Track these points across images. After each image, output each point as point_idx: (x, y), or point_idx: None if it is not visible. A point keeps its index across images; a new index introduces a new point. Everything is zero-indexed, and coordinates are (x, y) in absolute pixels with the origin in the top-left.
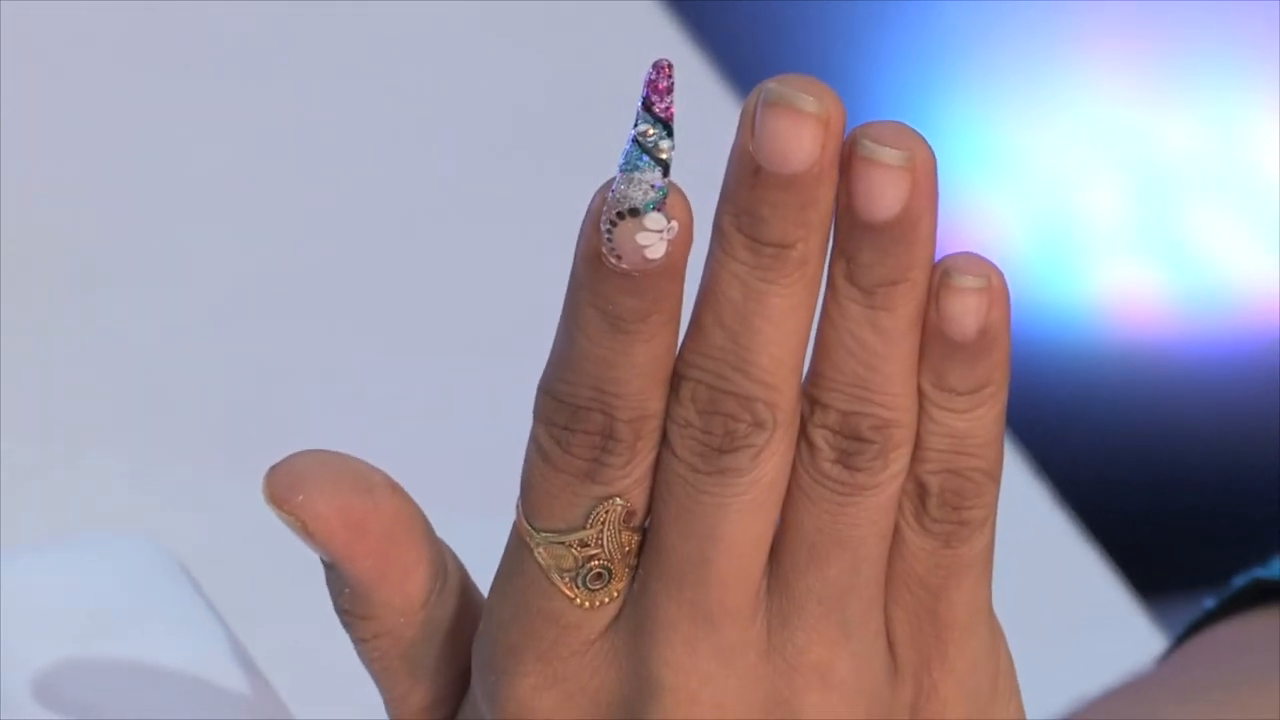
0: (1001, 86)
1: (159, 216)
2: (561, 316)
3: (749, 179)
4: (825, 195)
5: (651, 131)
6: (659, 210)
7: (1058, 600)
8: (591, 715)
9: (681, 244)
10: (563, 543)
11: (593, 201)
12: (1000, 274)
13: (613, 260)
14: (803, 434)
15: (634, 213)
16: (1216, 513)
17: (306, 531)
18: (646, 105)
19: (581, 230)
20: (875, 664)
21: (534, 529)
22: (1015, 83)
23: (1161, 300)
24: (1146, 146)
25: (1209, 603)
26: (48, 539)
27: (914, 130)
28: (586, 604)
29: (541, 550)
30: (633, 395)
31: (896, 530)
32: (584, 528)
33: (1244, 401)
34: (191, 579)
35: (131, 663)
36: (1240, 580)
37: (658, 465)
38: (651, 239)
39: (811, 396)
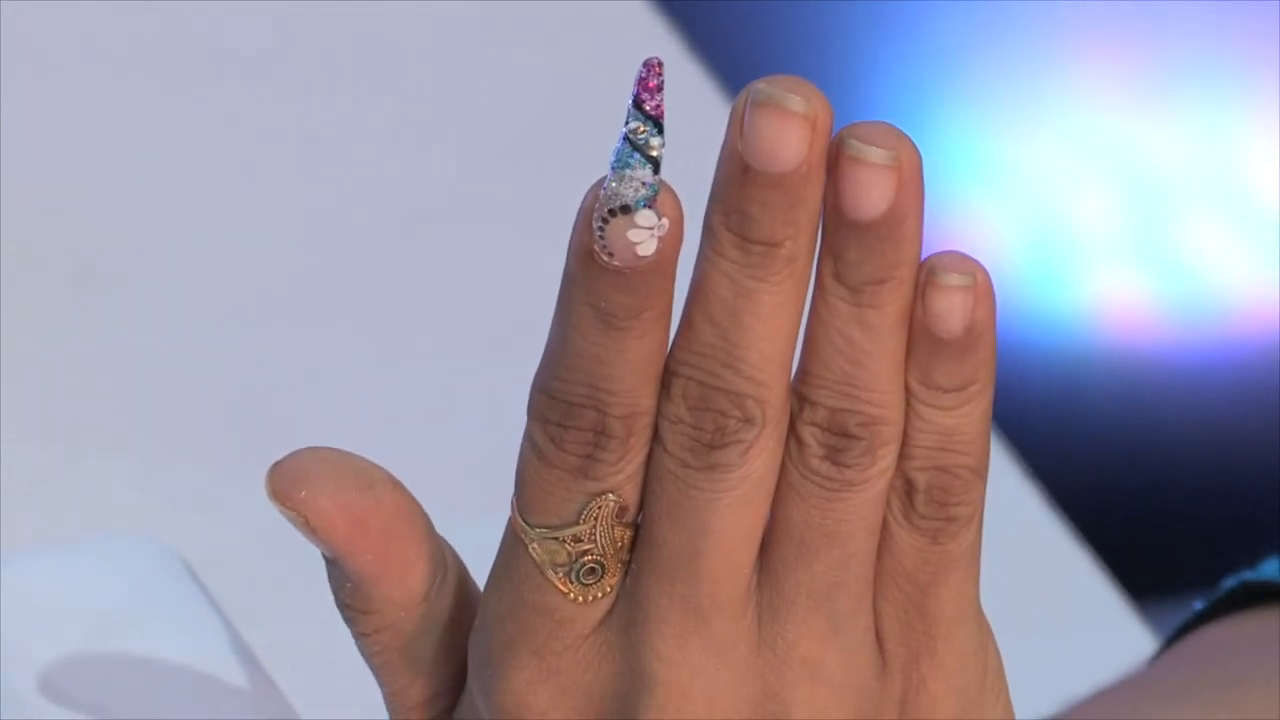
0: (994, 94)
1: (164, 219)
2: (555, 314)
3: (738, 178)
4: (813, 194)
5: (642, 129)
6: (650, 207)
7: (1049, 601)
8: (585, 709)
9: (672, 241)
10: (556, 538)
11: (585, 199)
12: (985, 272)
13: (605, 257)
14: (792, 431)
15: (625, 210)
16: (1206, 516)
17: (308, 527)
18: (637, 103)
19: (574, 228)
20: (864, 659)
21: (528, 524)
22: (1007, 91)
23: (1152, 307)
24: (1138, 155)
25: (1198, 605)
26: (52, 540)
27: (899, 130)
28: (580, 599)
29: (535, 545)
30: (625, 392)
31: (885, 526)
32: (577, 523)
33: (1234, 406)
34: (196, 580)
35: (137, 663)
36: (1229, 582)
37: (650, 461)
38: (643, 236)
39: (800, 394)
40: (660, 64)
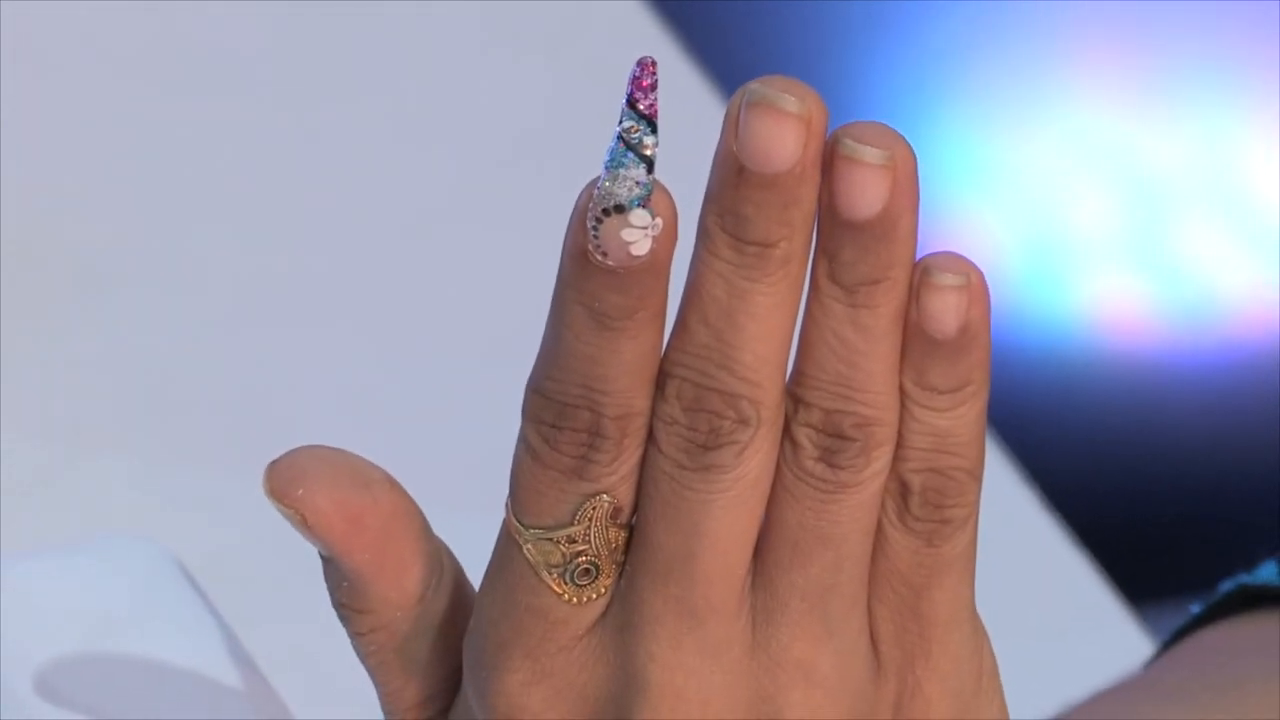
0: (991, 97)
1: (164, 220)
2: (549, 314)
3: (733, 179)
4: (808, 195)
5: (636, 128)
6: (644, 207)
7: (1046, 604)
8: (579, 710)
9: (666, 240)
10: (551, 539)
11: (579, 199)
12: (980, 273)
13: (599, 257)
14: (786, 432)
15: (619, 209)
16: (1203, 519)
17: (305, 525)
18: (631, 102)
19: (568, 228)
20: (858, 661)
21: (522, 526)
22: (1005, 94)
23: (1149, 310)
24: (1136, 157)
25: (1195, 608)
26: (51, 542)
27: (894, 130)
28: (574, 600)
29: (530, 547)
30: (619, 392)
31: (879, 528)
32: (571, 524)
33: (1231, 410)
34: (193, 582)
35: (134, 665)
36: (1226, 586)
37: (644, 462)
38: (636, 235)
39: (795, 395)
40: (654, 63)
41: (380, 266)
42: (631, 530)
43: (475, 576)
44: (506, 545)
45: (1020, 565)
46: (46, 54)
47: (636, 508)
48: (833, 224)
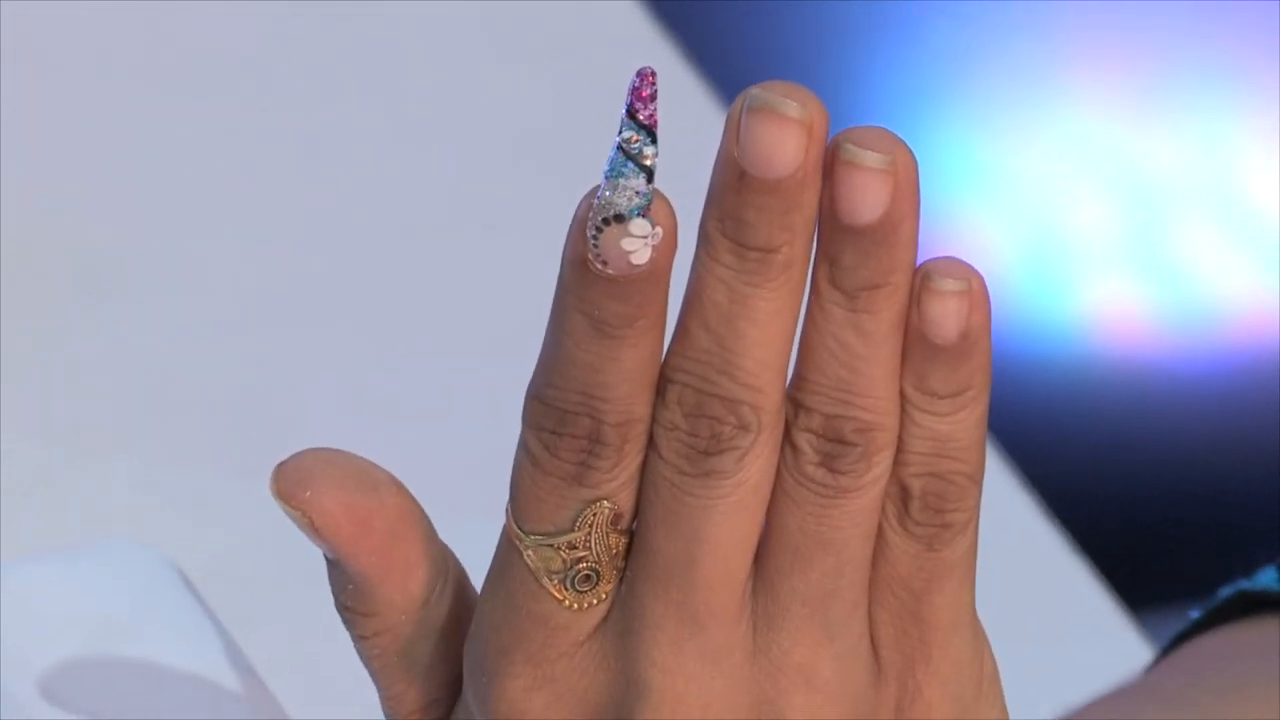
0: (990, 102)
1: (165, 224)
2: (549, 322)
3: (734, 184)
4: (809, 200)
5: (636, 138)
6: (644, 216)
7: (1045, 610)
8: (580, 716)
9: (666, 249)
10: (551, 545)
11: (579, 208)
12: (981, 278)
13: (598, 266)
14: (787, 437)
15: (619, 219)
16: (1202, 525)
17: (312, 527)
18: (631, 112)
19: (568, 236)
20: (859, 666)
21: (523, 532)
22: (1004, 99)
23: (1148, 315)
24: (1134, 162)
25: (1195, 613)
26: (50, 546)
27: (896, 135)
28: (575, 606)
29: (530, 553)
30: (619, 399)
31: (880, 533)
32: (572, 530)
33: (1230, 415)
34: (192, 587)
35: (134, 669)
36: (1226, 591)
37: (644, 468)
38: (636, 244)
39: (795, 400)
40: (653, 73)
41: (380, 270)
42: (632, 536)
43: (476, 581)
44: (507, 551)
45: (1020, 571)
46: (47, 55)
47: (637, 514)
48: (834, 229)
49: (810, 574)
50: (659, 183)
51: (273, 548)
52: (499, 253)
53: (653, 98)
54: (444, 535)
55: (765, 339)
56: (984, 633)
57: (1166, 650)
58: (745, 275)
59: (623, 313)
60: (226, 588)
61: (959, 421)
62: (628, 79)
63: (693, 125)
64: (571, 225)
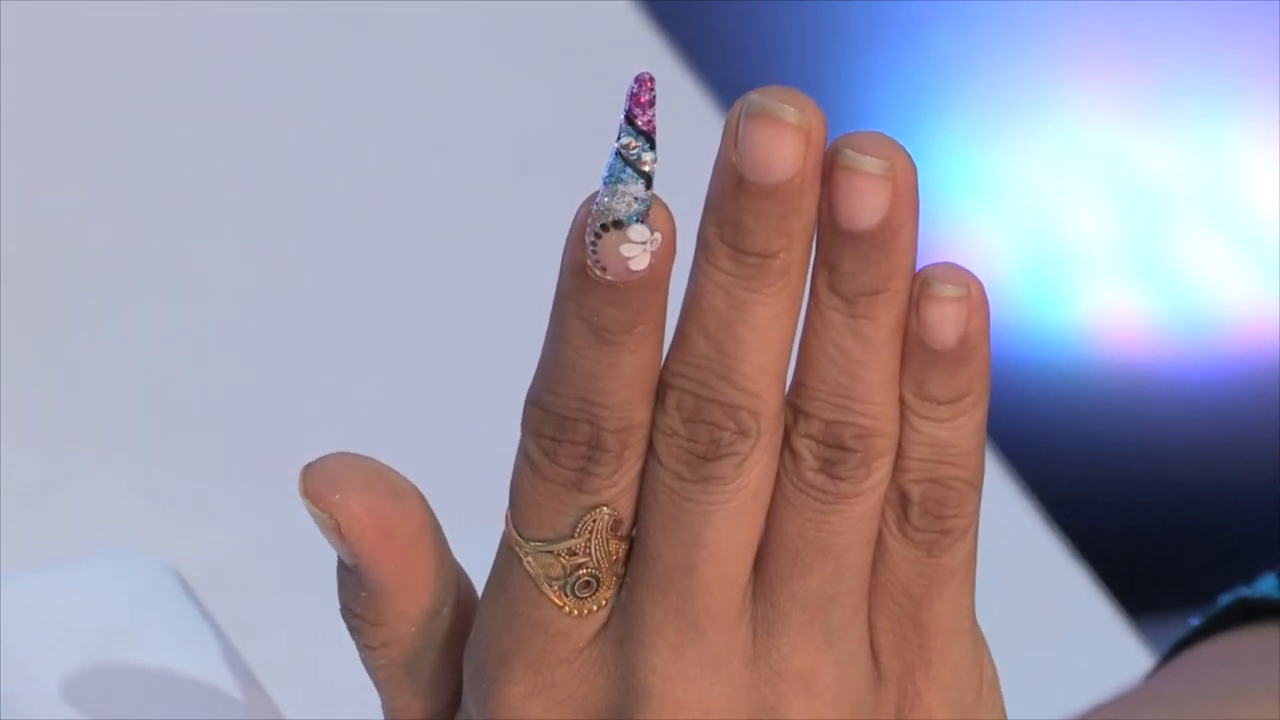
0: (989, 109)
1: (165, 231)
2: (548, 329)
3: (732, 189)
4: (808, 205)
5: (634, 144)
6: (642, 222)
7: (1045, 617)
8: None
9: (665, 255)
10: (551, 552)
11: (577, 214)
12: (980, 283)
13: (597, 272)
14: (786, 443)
15: (618, 225)
16: (1202, 532)
17: (337, 531)
18: (629, 118)
19: (567, 243)
20: (859, 672)
21: (523, 538)
22: (1003, 105)
23: (1147, 321)
24: (1134, 169)
25: (1195, 621)
26: (50, 554)
27: (894, 140)
28: (575, 612)
29: (530, 559)
30: (619, 406)
31: (880, 539)
32: (572, 537)
33: (1230, 421)
34: (191, 594)
35: (134, 677)
36: (1226, 599)
37: (644, 474)
38: (635, 250)
39: (795, 406)
40: (652, 79)
41: (380, 276)
42: (632, 542)
43: (477, 588)
44: (507, 558)
45: (1019, 577)
46: (47, 59)
47: (636, 520)
48: (832, 234)
49: (810, 579)
50: (656, 187)
51: (272, 554)
52: (497, 257)
53: (651, 103)
54: None
55: (764, 344)
56: (984, 638)
57: (1167, 657)
58: (744, 280)
59: (622, 319)
60: (226, 594)
61: (958, 427)
62: (625, 82)
63: (689, 128)
64: (570, 231)
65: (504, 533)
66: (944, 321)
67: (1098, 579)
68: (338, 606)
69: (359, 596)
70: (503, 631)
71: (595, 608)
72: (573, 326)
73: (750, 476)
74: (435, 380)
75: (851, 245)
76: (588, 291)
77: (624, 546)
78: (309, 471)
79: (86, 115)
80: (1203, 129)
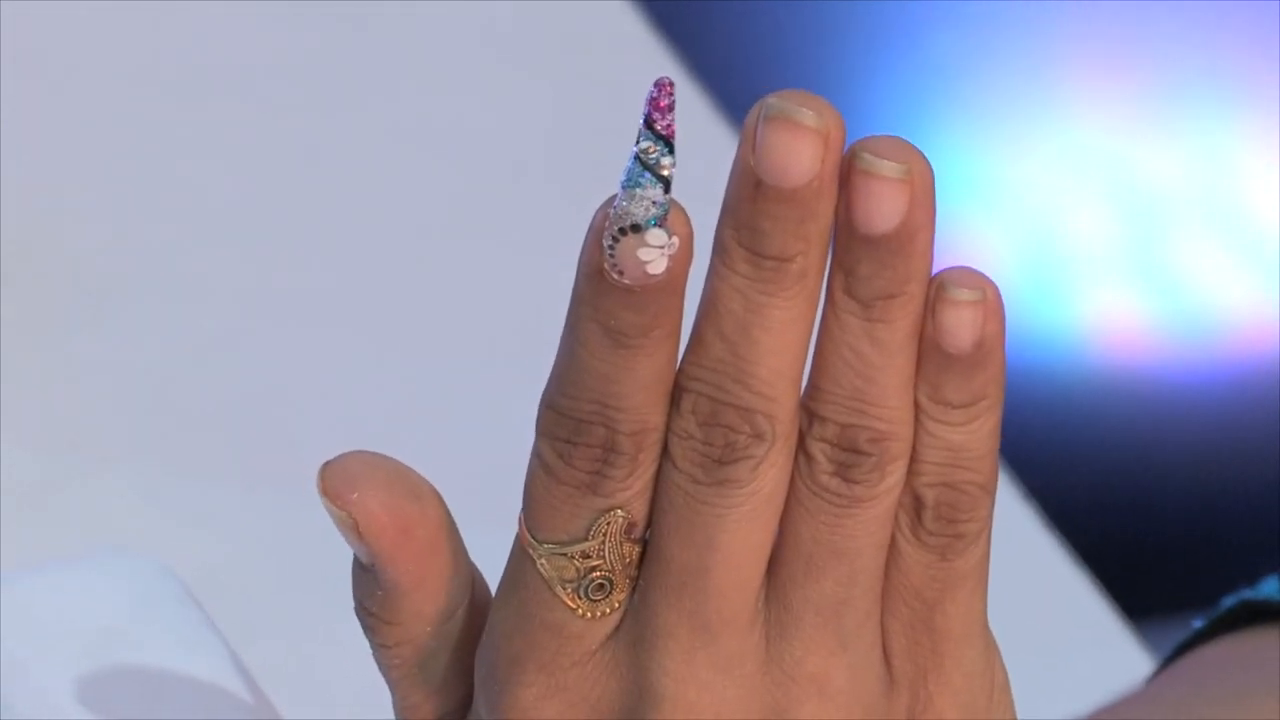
0: (990, 113)
1: (168, 235)
2: (564, 331)
3: (750, 193)
4: (825, 209)
5: (653, 149)
6: (660, 226)
7: (1047, 620)
8: None
9: (682, 259)
10: (565, 554)
11: (595, 218)
12: (995, 288)
13: (615, 276)
14: (801, 446)
15: (636, 229)
16: (1205, 535)
17: (355, 530)
18: (648, 123)
19: (584, 246)
20: (871, 675)
21: (536, 540)
22: (1004, 109)
23: (1148, 325)
24: (1134, 172)
25: (1197, 623)
26: (50, 557)
27: (912, 145)
28: (588, 614)
29: (544, 561)
30: (634, 409)
31: (893, 543)
32: (585, 539)
33: (1232, 425)
34: (192, 596)
35: (133, 679)
36: (1228, 601)
37: (658, 477)
38: (653, 254)
39: (809, 409)
40: (671, 84)
41: (381, 277)
42: (645, 545)
43: (491, 589)
44: (520, 560)
45: (1021, 581)
46: (48, 61)
47: (650, 522)
48: (849, 238)
49: (823, 583)
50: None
51: (271, 556)
52: (499, 257)
53: (670, 108)
54: None
55: (780, 348)
56: (995, 642)
57: (1169, 659)
58: (760, 284)
59: (638, 322)
60: (225, 596)
61: (973, 431)
62: (625, 83)
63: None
64: (587, 235)
65: (517, 535)
66: (960, 326)
67: (1098, 582)
68: (336, 608)
69: (374, 595)
70: (515, 634)
71: (608, 610)
72: (589, 330)
73: (765, 480)
74: (443, 381)
75: (868, 249)
76: (604, 295)
77: (637, 549)
78: (328, 470)
79: (87, 116)
80: (1203, 133)
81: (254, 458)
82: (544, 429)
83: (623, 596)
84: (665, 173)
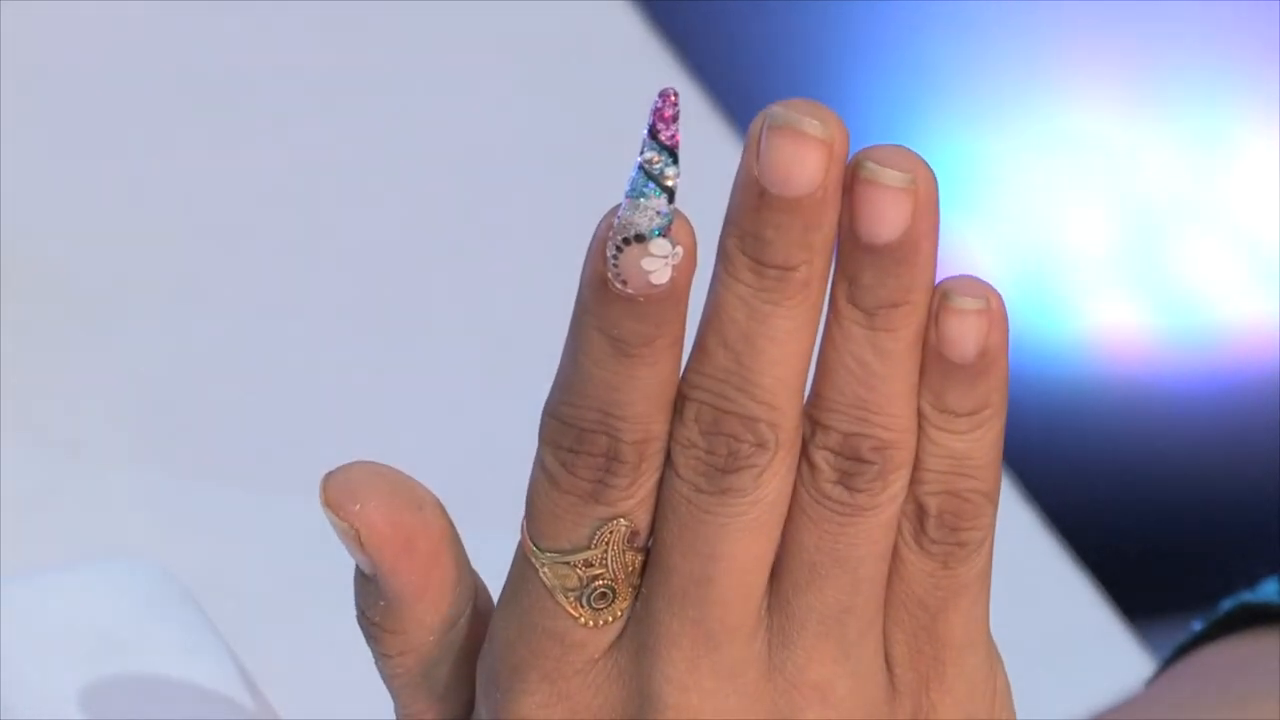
0: (988, 117)
1: (169, 240)
2: (567, 340)
3: (754, 202)
4: (829, 218)
5: (657, 159)
6: (664, 236)
7: (1047, 624)
8: None
9: (686, 269)
10: (567, 563)
11: (598, 228)
12: (999, 296)
13: (618, 285)
14: (804, 455)
15: (640, 239)
16: (1204, 537)
17: (357, 541)
18: (652, 133)
19: (587, 256)
20: (874, 684)
21: (539, 549)
22: (1002, 114)
23: (1146, 331)
24: (1133, 179)
25: (1196, 626)
26: (51, 561)
27: (916, 153)
28: (591, 623)
29: (546, 570)
30: (637, 418)
31: (896, 551)
32: (588, 548)
33: (1233, 427)
34: (195, 602)
35: (135, 684)
36: (1227, 603)
37: (661, 485)
38: (657, 264)
39: (813, 418)
40: (675, 94)
41: (383, 283)
42: (648, 553)
43: (493, 597)
44: (522, 568)
45: (1020, 583)
46: (47, 66)
47: (653, 531)
48: (853, 247)
49: (826, 591)
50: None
51: (274, 561)
52: (506, 261)
53: (675, 118)
54: None
55: (783, 357)
56: (997, 649)
57: (1168, 662)
58: (764, 293)
59: (642, 332)
60: (228, 602)
61: (976, 440)
62: (624, 84)
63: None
64: (591, 245)
65: (519, 543)
66: (963, 334)
67: (1099, 584)
68: (337, 612)
69: (377, 605)
70: (517, 642)
71: (611, 619)
72: (592, 339)
73: (768, 489)
74: (445, 388)
75: (872, 258)
76: (608, 304)
77: (640, 558)
78: (330, 481)
79: (87, 119)
80: (1203, 140)
81: (255, 462)
82: (547, 437)
83: (625, 605)
84: (669, 183)
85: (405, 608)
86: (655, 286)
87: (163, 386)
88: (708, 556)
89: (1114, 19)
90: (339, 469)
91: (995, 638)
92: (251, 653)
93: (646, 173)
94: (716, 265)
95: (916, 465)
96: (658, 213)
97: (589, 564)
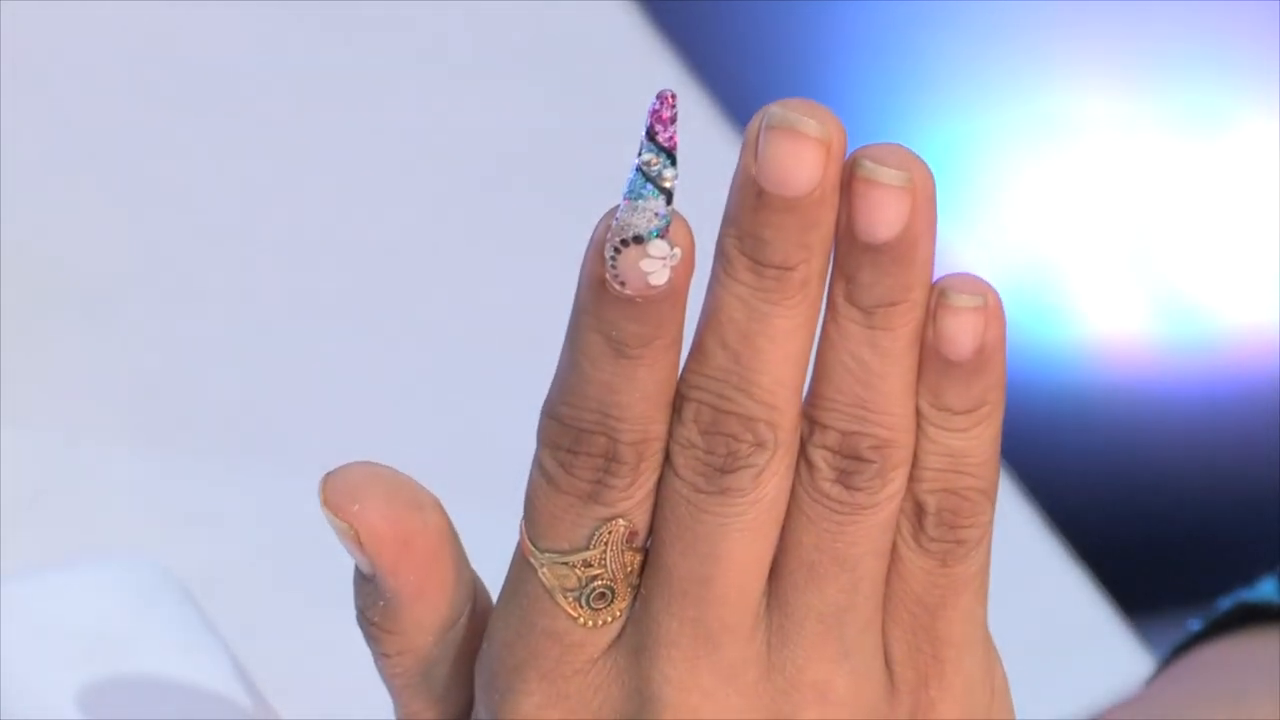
0: (986, 120)
1: (166, 235)
2: (565, 341)
3: (752, 202)
4: (827, 217)
5: (655, 161)
6: (662, 237)
7: (1046, 623)
8: None
9: (684, 270)
10: (566, 563)
11: (596, 229)
12: (996, 294)
13: (616, 286)
14: (802, 454)
15: (638, 240)
16: (1203, 536)
17: (357, 541)
18: (650, 134)
19: (585, 257)
20: (873, 682)
21: (538, 549)
22: (1001, 119)
23: (1146, 334)
24: (1133, 183)
25: (1194, 624)
26: (49, 559)
27: (913, 152)
28: (590, 623)
29: (545, 570)
30: (635, 418)
31: (894, 549)
32: (587, 548)
33: (1231, 427)
34: (193, 600)
35: (132, 681)
36: (1225, 602)
37: (660, 486)
38: (655, 265)
39: (811, 417)
40: (674, 96)
41: (382, 282)
42: (647, 553)
43: (492, 597)
44: (521, 568)
45: (1020, 584)
46: (46, 65)
47: (652, 531)
48: (851, 246)
49: (825, 590)
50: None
51: (270, 558)
52: (505, 261)
53: (673, 120)
54: None
55: (782, 356)
56: (995, 647)
57: (1167, 661)
58: (763, 293)
59: (640, 333)
60: (226, 599)
61: (974, 437)
62: (625, 84)
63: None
64: (589, 246)
65: (518, 543)
66: (961, 332)
67: (1098, 582)
68: (335, 610)
69: (376, 605)
70: (516, 642)
71: (610, 619)
72: (590, 340)
73: (767, 488)
74: (443, 387)
75: (870, 257)
76: (606, 305)
77: (639, 558)
78: (329, 481)
79: (86, 118)
80: (1203, 145)
81: (253, 460)
82: (546, 438)
83: (624, 605)
84: (667, 185)
85: (404, 607)
86: (653, 288)
87: (161, 383)
88: (707, 556)
89: (1121, 30)
90: (338, 469)
91: (994, 636)
92: (250, 652)
93: (644, 174)
94: (715, 265)
95: (915, 463)
96: (656, 214)
97: (588, 564)
